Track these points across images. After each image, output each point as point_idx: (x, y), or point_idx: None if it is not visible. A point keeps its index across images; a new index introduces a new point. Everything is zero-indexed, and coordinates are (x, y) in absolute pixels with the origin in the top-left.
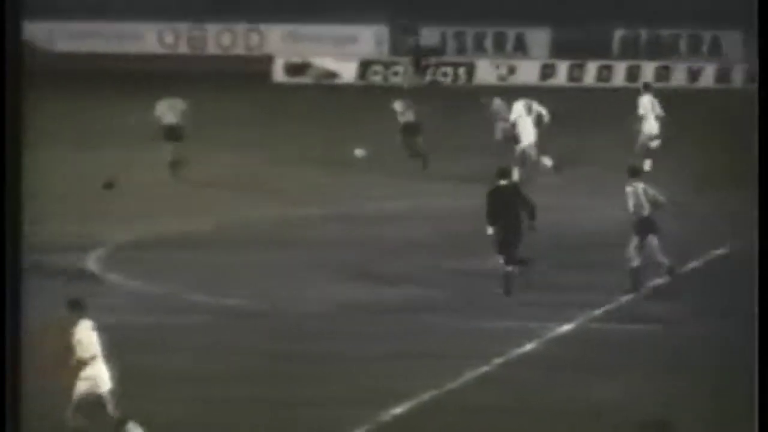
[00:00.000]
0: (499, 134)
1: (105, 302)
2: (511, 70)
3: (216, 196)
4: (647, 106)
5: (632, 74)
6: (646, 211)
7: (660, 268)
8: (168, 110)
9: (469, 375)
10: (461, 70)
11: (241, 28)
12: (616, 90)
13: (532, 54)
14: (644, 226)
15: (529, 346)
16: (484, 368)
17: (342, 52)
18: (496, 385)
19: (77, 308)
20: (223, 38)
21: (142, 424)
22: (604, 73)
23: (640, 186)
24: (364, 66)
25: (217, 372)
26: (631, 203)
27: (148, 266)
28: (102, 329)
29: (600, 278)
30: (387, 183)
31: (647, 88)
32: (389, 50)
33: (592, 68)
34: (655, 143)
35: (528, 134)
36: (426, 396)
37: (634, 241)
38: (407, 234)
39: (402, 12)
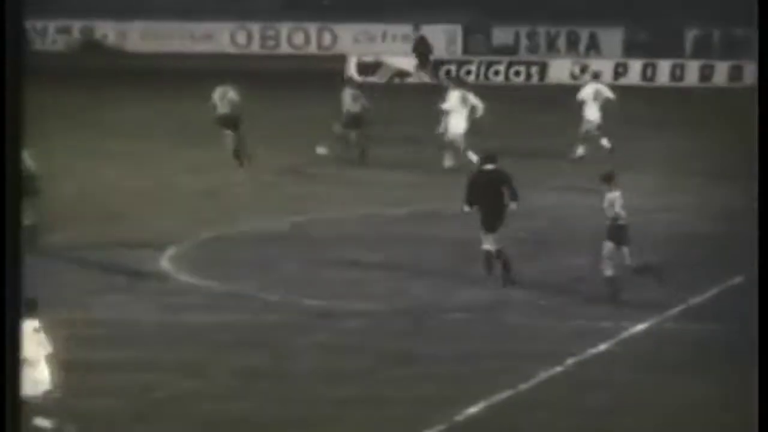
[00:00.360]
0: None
1: (177, 301)
2: (583, 69)
3: (292, 194)
4: (590, 94)
5: (705, 74)
6: (622, 219)
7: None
8: (220, 99)
9: (544, 374)
10: (534, 69)
11: (313, 27)
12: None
13: (605, 53)
14: (618, 234)
15: (603, 346)
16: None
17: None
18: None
19: (31, 308)
20: (295, 37)
21: (221, 421)
22: (677, 72)
23: (617, 194)
24: (437, 65)
25: (296, 370)
26: (607, 211)
27: (224, 265)
28: (173, 327)
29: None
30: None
31: (596, 77)
32: (462, 50)
33: (665, 67)
34: (597, 131)
35: (458, 125)
36: (503, 395)
37: (607, 247)
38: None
39: (475, 11)
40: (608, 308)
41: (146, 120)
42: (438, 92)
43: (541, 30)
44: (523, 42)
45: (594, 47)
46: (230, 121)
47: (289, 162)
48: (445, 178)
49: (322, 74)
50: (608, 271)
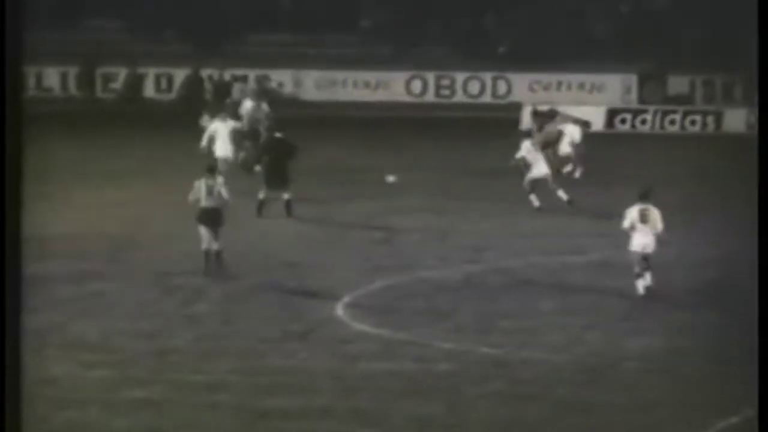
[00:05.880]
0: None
1: (351, 349)
2: None
3: (466, 243)
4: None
5: None
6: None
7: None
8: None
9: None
10: (710, 119)
11: (488, 75)
12: None
13: None
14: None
15: None
16: None
17: (590, 100)
18: None
19: None
20: (470, 86)
21: None
22: None
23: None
24: (611, 114)
25: (471, 420)
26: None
27: (398, 313)
28: (341, 377)
29: None
30: None
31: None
32: (637, 98)
33: None
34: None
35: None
36: None
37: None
38: None
39: (650, 60)
40: None
41: (318, 168)
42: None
43: (717, 79)
44: (699, 91)
45: None
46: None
47: (462, 211)
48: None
49: (496, 123)
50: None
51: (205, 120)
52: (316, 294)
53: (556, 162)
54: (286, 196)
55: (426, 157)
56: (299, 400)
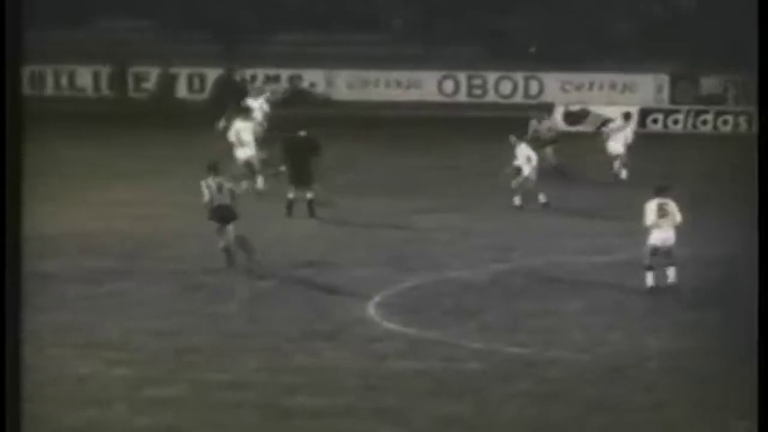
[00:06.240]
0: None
1: (380, 348)
2: None
3: (493, 242)
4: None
5: None
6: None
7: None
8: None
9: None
10: (742, 119)
11: (520, 76)
12: None
13: None
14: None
15: None
16: None
17: (621, 100)
18: None
19: None
20: (502, 86)
21: None
22: None
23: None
24: (644, 114)
25: (499, 419)
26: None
27: (427, 312)
28: (374, 373)
29: None
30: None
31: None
32: (669, 99)
33: None
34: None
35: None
36: None
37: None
38: None
39: (683, 61)
40: None
41: (347, 167)
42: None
43: (750, 79)
44: (731, 91)
45: None
46: None
47: (489, 211)
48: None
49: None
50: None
51: (223, 123)
52: (345, 293)
53: (546, 163)
54: (309, 195)
55: (456, 156)
56: (325, 400)
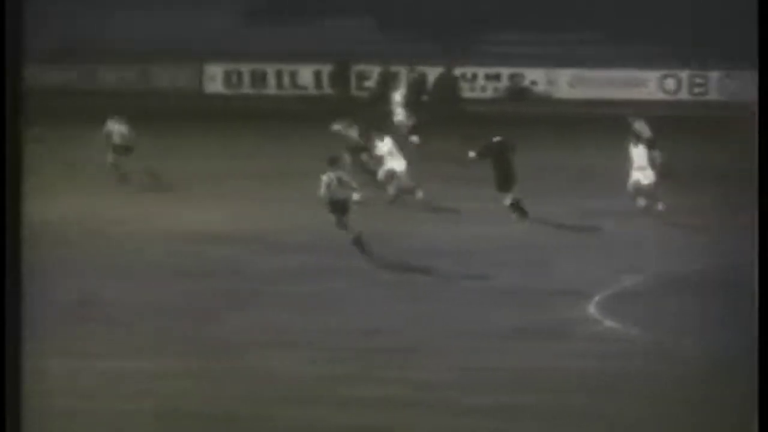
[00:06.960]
0: None
1: (600, 348)
2: None
3: (708, 239)
4: None
5: None
6: None
7: None
8: None
9: None
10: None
11: (747, 74)
12: None
13: None
14: None
15: None
16: None
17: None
18: None
19: None
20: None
21: None
22: None
23: None
24: None
25: (722, 423)
26: None
27: (644, 312)
28: (593, 374)
29: None
30: None
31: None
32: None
33: None
34: None
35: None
36: None
37: None
38: None
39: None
40: None
41: (545, 167)
42: None
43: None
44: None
45: None
46: None
47: (704, 208)
48: None
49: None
50: None
51: (336, 126)
52: (565, 292)
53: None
54: (508, 200)
55: (672, 156)
56: (536, 398)
